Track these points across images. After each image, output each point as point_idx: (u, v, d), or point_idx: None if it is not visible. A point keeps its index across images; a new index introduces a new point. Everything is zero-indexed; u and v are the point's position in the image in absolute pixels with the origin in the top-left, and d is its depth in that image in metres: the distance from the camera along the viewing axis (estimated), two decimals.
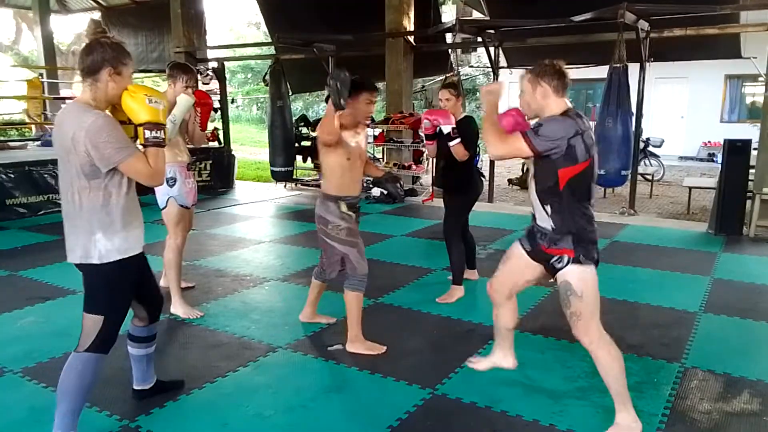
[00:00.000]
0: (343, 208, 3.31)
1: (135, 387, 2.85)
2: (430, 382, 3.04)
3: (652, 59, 7.25)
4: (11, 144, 9.44)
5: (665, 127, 14.22)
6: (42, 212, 7.32)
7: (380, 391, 2.99)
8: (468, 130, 4.11)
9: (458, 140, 3.99)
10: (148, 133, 2.28)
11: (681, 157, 14.70)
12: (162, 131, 2.33)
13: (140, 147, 2.32)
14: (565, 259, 2.49)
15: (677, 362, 3.28)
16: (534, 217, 2.63)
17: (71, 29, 20.00)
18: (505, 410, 2.79)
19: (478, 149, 9.95)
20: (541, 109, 2.53)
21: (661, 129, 13.67)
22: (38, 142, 9.77)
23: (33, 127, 10.18)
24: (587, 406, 2.81)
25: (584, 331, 2.52)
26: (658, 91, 14.52)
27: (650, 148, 11.18)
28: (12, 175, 7.15)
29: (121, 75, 2.29)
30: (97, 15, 14.37)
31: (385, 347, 3.43)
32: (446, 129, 3.98)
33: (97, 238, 2.30)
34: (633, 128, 7.07)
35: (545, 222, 2.52)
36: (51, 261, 5.18)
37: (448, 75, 8.67)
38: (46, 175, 7.42)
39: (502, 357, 3.05)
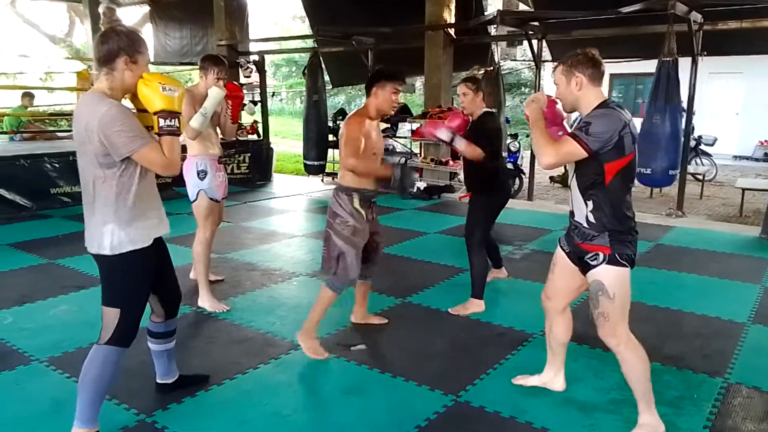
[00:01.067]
0: (356, 203, 3.21)
1: (158, 381, 2.86)
2: (454, 388, 2.93)
3: (704, 53, 6.88)
4: (59, 134, 9.72)
5: (719, 125, 13.61)
6: None
7: (401, 396, 2.90)
8: (484, 127, 3.88)
9: (463, 142, 3.74)
10: (162, 122, 2.24)
11: (735, 157, 14.05)
12: (176, 120, 2.27)
13: (156, 136, 2.28)
14: (600, 257, 2.38)
15: (720, 377, 3.07)
16: (572, 214, 2.52)
17: (122, 21, 20.50)
18: (530, 421, 2.65)
19: (518, 147, 9.67)
20: (577, 101, 2.42)
21: (714, 126, 13.09)
22: None
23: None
24: (619, 420, 2.65)
25: (611, 332, 2.43)
26: (712, 86, 13.89)
27: (702, 147, 10.70)
28: (57, 165, 7.34)
29: (137, 63, 2.24)
30: (145, 9, 14.67)
31: (326, 354, 3.27)
32: (441, 135, 3.76)
33: (111, 228, 2.27)
34: (683, 125, 6.74)
35: (582, 218, 2.43)
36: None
37: (489, 68, 8.46)
38: None
39: (552, 377, 2.93)
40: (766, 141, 13.88)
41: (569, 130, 2.65)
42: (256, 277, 4.72)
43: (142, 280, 2.40)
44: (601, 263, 2.38)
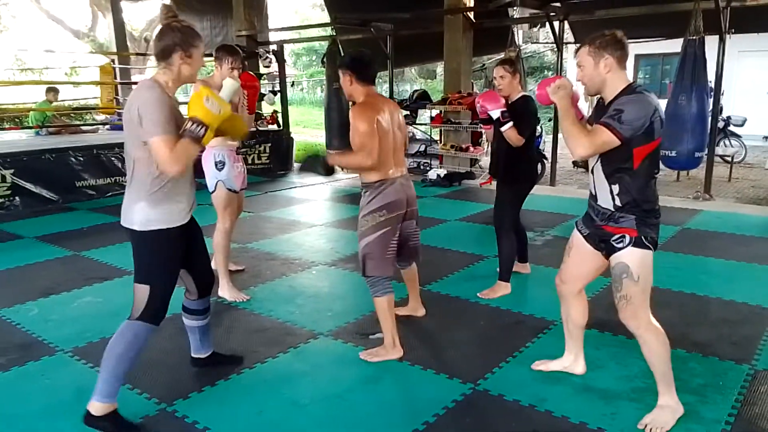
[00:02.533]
0: None
1: (192, 355, 2.96)
2: (472, 377, 2.91)
3: (732, 31, 6.66)
4: (84, 128, 9.87)
5: (749, 105, 13.21)
6: (109, 194, 7.60)
7: (419, 384, 2.89)
8: (524, 111, 3.84)
9: (509, 124, 3.75)
10: (189, 124, 2.33)
11: (766, 137, 13.64)
12: (204, 130, 2.33)
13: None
14: (627, 239, 2.36)
15: (747, 363, 3.00)
16: (594, 198, 2.49)
17: (144, 16, 20.70)
18: (550, 410, 2.62)
19: (540, 131, 9.58)
20: (603, 84, 2.37)
21: (744, 106, 12.70)
22: (107, 126, 10.17)
23: (101, 112, 10.65)
24: (642, 409, 2.59)
25: (632, 315, 2.42)
26: (742, 65, 13.47)
27: (731, 128, 10.40)
28: (81, 159, 7.45)
29: (192, 57, 2.38)
30: (167, 0, 14.80)
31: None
32: (495, 114, 3.75)
33: (142, 206, 2.38)
34: (710, 106, 6.56)
35: (608, 202, 2.40)
36: (113, 242, 5.36)
37: (506, 50, 8.32)
38: (113, 158, 7.71)
39: (572, 360, 2.93)
40: None
41: (583, 112, 2.61)
42: (276, 266, 4.74)
43: (169, 259, 2.48)
44: (628, 245, 2.36)
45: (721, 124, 9.27)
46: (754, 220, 6.03)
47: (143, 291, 2.42)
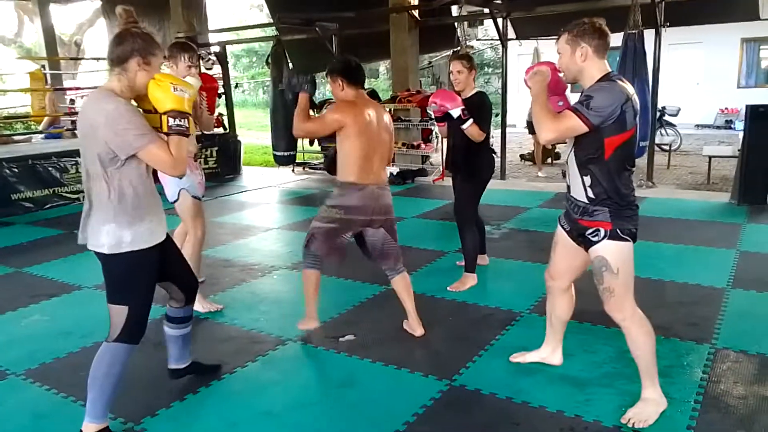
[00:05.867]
0: None
1: (170, 366, 2.84)
2: (448, 373, 2.90)
3: (668, 24, 6.95)
4: (15, 138, 9.34)
5: (681, 95, 13.84)
6: (48, 206, 7.23)
7: (395, 385, 2.85)
8: (481, 107, 3.88)
9: (470, 121, 3.76)
10: (171, 121, 2.23)
11: (697, 125, 14.33)
12: (186, 120, 2.26)
13: (163, 136, 2.25)
14: (602, 233, 2.35)
15: (707, 343, 3.11)
16: (569, 189, 2.48)
17: (72, 19, 19.81)
18: (526, 401, 2.64)
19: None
20: (579, 72, 2.36)
21: (676, 97, 13.29)
22: (42, 136, 9.62)
23: (45, 120, 10.02)
24: (614, 394, 2.65)
25: (617, 307, 2.41)
26: (672, 57, 14.07)
27: (666, 117, 10.86)
28: (16, 170, 7.05)
29: (150, 65, 2.26)
30: (97, 4, 14.17)
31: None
32: (455, 113, 3.75)
33: (110, 228, 2.25)
34: (650, 97, 6.82)
35: (581, 194, 2.39)
36: (57, 256, 5.10)
37: (456, 49, 8.41)
38: (50, 169, 7.34)
39: (550, 352, 2.93)
40: (726, 109, 14.19)
41: (570, 102, 2.62)
42: (234, 273, 4.61)
43: (145, 278, 2.37)
44: (603, 239, 2.35)
45: (657, 114, 9.65)
46: (695, 205, 6.31)
47: (120, 312, 2.30)
